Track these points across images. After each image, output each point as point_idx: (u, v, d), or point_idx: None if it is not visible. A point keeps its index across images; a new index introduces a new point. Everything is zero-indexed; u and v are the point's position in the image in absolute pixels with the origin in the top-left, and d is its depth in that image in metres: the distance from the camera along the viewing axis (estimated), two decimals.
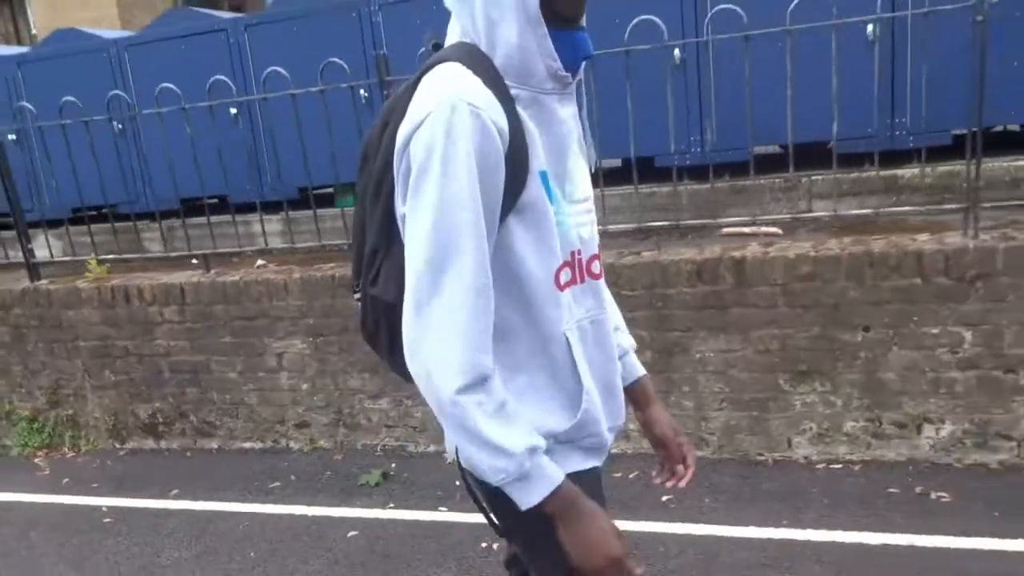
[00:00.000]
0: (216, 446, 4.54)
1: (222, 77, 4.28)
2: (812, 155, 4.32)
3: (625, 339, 1.55)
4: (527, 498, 1.19)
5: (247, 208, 5.06)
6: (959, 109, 3.47)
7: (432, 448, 4.13)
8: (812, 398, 3.48)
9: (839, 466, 3.48)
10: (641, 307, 3.59)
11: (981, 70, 3.09)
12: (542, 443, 1.21)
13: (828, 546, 2.91)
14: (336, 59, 3.91)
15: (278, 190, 5.28)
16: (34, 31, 21.50)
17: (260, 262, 4.68)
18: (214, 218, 4.56)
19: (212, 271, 4.52)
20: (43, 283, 4.75)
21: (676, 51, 4.44)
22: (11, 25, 25.57)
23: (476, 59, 1.19)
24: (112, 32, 7.74)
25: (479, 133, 1.11)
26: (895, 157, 4.40)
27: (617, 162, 5.41)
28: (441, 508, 3.55)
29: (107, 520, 3.83)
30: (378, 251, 1.28)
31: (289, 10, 5.62)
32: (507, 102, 1.17)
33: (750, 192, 4.52)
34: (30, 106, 4.73)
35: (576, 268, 1.31)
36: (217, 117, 4.24)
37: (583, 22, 1.26)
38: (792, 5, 3.29)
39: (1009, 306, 3.15)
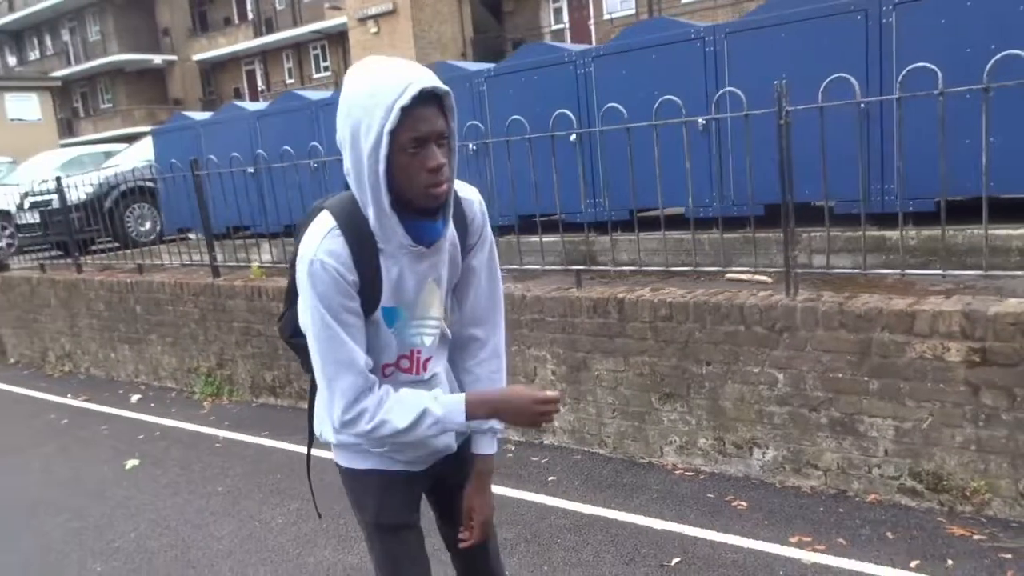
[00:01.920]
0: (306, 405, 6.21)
1: (565, 111, 4.90)
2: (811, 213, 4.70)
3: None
4: (457, 418, 1.67)
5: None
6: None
7: None
8: (675, 416, 4.28)
9: (692, 474, 4.25)
10: (557, 331, 4.61)
11: (787, 155, 3.75)
12: (436, 389, 1.77)
13: (645, 530, 3.74)
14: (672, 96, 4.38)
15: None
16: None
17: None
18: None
19: None
20: (220, 280, 6.75)
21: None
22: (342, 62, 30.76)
23: (348, 216, 1.61)
24: (471, 65, 8.01)
25: (326, 282, 1.57)
26: (885, 219, 4.75)
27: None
28: None
29: (217, 445, 5.63)
30: (284, 308, 1.88)
31: (631, 43, 6.08)
32: (363, 247, 1.60)
33: (759, 243, 5.05)
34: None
35: (413, 362, 1.78)
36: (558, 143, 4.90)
37: (441, 215, 1.64)
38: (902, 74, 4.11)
39: (807, 355, 3.76)
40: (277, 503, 4.46)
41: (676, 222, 5.29)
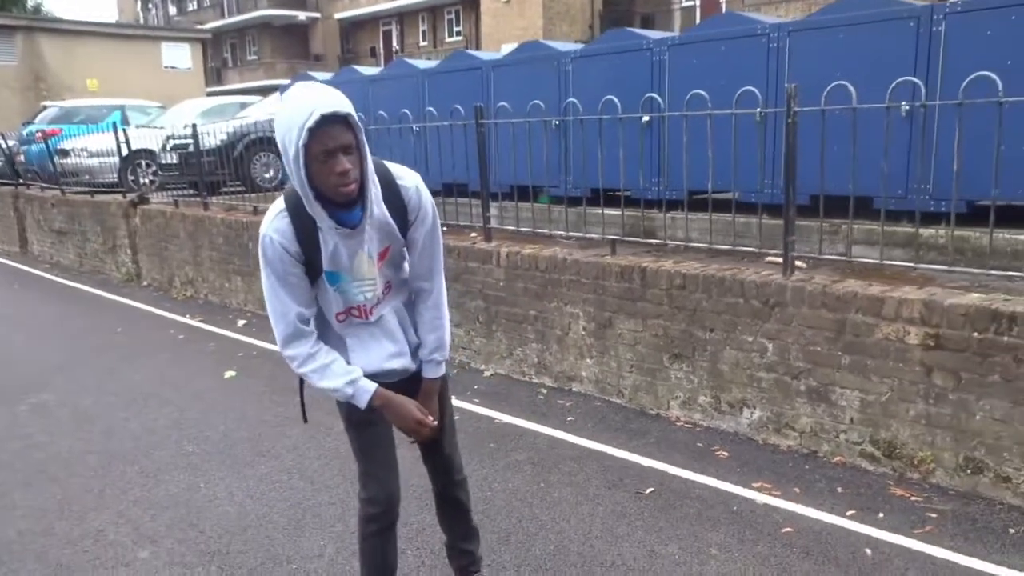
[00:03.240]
0: None
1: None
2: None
3: (427, 346, 2.48)
4: (361, 402, 2.29)
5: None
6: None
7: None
8: (681, 375, 4.82)
9: (690, 426, 4.79)
10: (590, 292, 5.21)
11: (793, 152, 4.18)
12: (359, 373, 2.30)
13: (633, 465, 4.34)
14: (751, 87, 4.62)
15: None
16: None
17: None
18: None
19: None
20: None
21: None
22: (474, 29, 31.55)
23: (295, 202, 2.14)
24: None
25: (272, 252, 2.17)
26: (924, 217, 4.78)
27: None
28: None
29: None
30: None
31: (704, 34, 6.60)
32: (305, 226, 2.14)
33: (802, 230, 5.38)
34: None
35: (361, 311, 2.35)
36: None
37: (359, 205, 2.13)
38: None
39: (793, 329, 4.23)
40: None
41: (737, 206, 5.62)
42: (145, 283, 10.51)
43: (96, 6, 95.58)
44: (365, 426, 2.50)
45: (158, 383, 6.23)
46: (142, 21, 47.97)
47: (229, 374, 6.38)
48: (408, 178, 2.32)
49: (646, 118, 5.88)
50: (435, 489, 2.83)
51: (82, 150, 12.54)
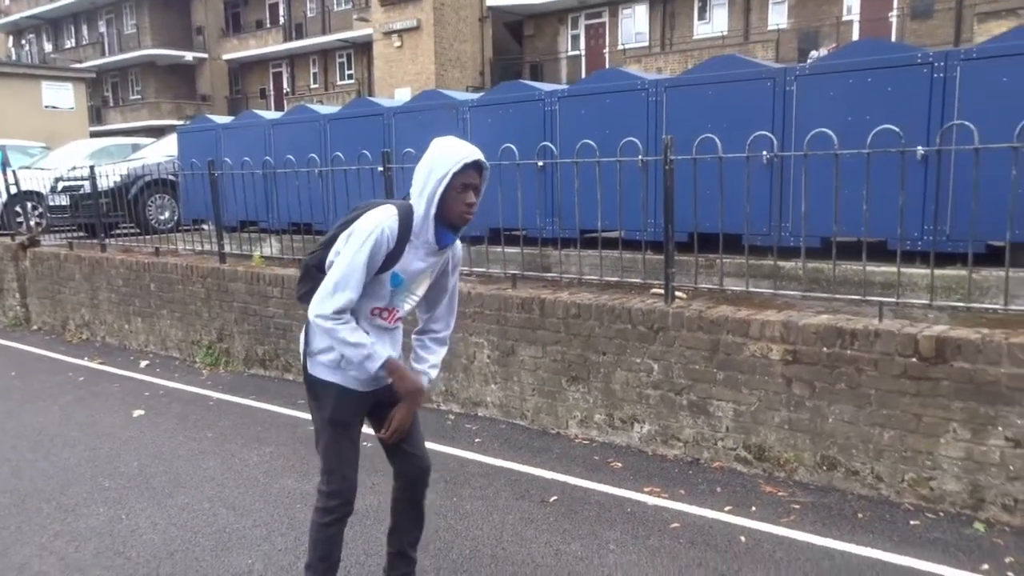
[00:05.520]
0: (291, 377, 7.26)
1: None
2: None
3: (427, 362, 2.98)
4: (374, 364, 2.67)
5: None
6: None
7: None
8: (578, 396, 5.29)
9: (587, 442, 5.26)
10: (492, 322, 5.64)
11: (670, 195, 4.77)
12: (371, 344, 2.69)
13: (538, 478, 4.76)
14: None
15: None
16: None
17: None
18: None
19: None
20: (224, 266, 7.81)
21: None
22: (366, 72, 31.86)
23: (404, 213, 2.68)
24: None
25: (381, 239, 2.62)
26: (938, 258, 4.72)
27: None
28: None
29: (210, 404, 6.68)
30: (318, 250, 2.90)
31: (591, 87, 6.95)
32: (404, 234, 2.67)
33: (682, 264, 5.79)
34: None
35: (389, 314, 2.82)
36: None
37: (459, 231, 2.77)
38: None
39: (675, 350, 4.78)
40: (255, 447, 5.48)
41: (623, 243, 6.25)
42: (35, 327, 10.27)
43: None
44: (344, 427, 2.88)
45: (63, 424, 6.23)
46: (14, 58, 46.03)
47: (137, 412, 6.44)
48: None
49: (541, 164, 6.42)
50: (401, 490, 3.14)
51: None
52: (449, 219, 2.70)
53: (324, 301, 2.66)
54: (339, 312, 2.65)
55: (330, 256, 2.77)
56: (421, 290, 2.85)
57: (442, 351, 3.05)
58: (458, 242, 2.90)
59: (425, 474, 3.13)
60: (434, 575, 3.67)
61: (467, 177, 2.66)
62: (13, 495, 4.81)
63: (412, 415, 2.92)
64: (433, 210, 2.66)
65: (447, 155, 2.65)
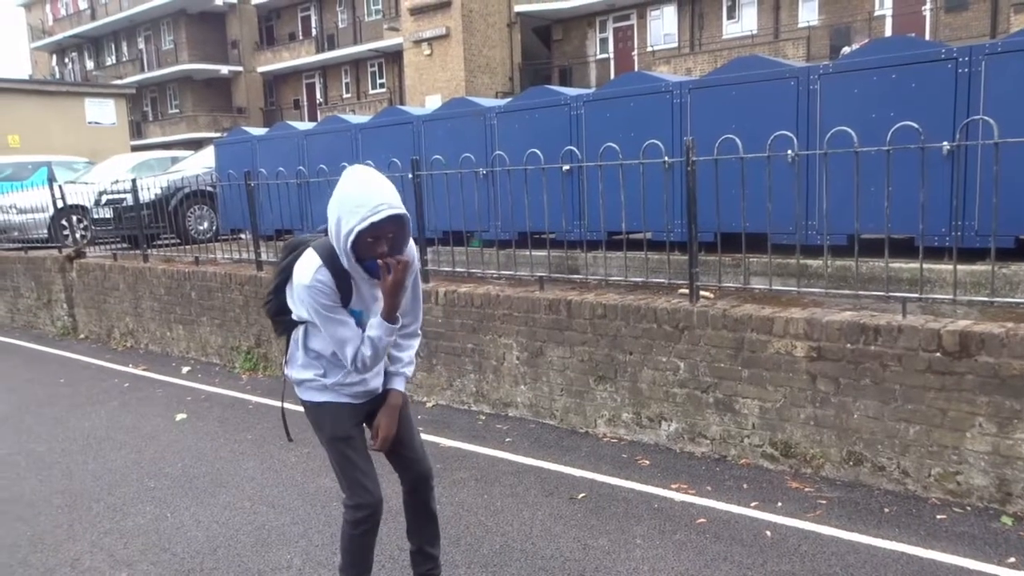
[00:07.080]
0: None
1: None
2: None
3: (401, 361, 3.01)
4: (386, 331, 2.70)
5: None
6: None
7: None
8: (605, 395, 5.37)
9: (616, 440, 5.34)
10: (521, 324, 5.75)
11: (693, 194, 4.84)
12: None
13: (567, 476, 4.87)
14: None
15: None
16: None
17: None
18: None
19: None
20: (262, 273, 8.02)
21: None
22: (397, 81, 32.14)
23: (329, 255, 2.63)
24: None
25: (320, 294, 2.61)
26: (966, 253, 5.01)
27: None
28: None
29: (250, 407, 6.87)
30: (270, 295, 2.97)
31: (615, 91, 7.08)
32: (340, 277, 2.64)
33: (708, 264, 5.91)
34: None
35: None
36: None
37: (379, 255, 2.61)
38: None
39: (700, 349, 4.84)
40: (293, 448, 5.64)
41: (649, 244, 6.36)
42: (82, 336, 10.60)
43: (7, 62, 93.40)
44: (346, 440, 2.96)
45: (110, 428, 6.46)
46: (58, 76, 47.34)
47: (180, 416, 6.65)
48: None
49: (566, 167, 6.51)
50: (409, 494, 3.23)
51: (11, 207, 12.58)
52: (370, 259, 2.66)
53: (352, 360, 2.76)
54: (359, 359, 2.75)
55: (298, 313, 2.82)
56: (379, 306, 2.79)
57: (415, 342, 3.09)
58: (413, 250, 2.81)
59: (427, 477, 3.20)
60: (465, 569, 3.78)
61: (382, 231, 2.56)
62: (65, 495, 5.03)
63: (396, 422, 3.00)
64: (350, 258, 2.62)
65: (353, 207, 2.53)
